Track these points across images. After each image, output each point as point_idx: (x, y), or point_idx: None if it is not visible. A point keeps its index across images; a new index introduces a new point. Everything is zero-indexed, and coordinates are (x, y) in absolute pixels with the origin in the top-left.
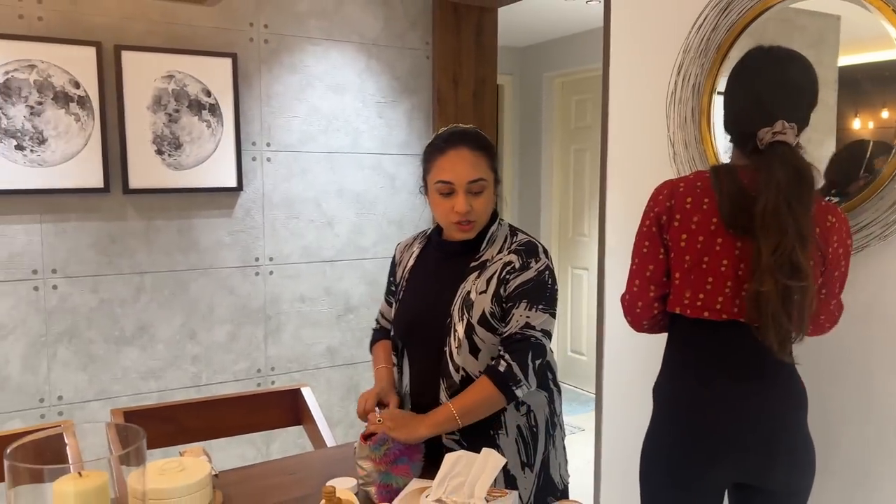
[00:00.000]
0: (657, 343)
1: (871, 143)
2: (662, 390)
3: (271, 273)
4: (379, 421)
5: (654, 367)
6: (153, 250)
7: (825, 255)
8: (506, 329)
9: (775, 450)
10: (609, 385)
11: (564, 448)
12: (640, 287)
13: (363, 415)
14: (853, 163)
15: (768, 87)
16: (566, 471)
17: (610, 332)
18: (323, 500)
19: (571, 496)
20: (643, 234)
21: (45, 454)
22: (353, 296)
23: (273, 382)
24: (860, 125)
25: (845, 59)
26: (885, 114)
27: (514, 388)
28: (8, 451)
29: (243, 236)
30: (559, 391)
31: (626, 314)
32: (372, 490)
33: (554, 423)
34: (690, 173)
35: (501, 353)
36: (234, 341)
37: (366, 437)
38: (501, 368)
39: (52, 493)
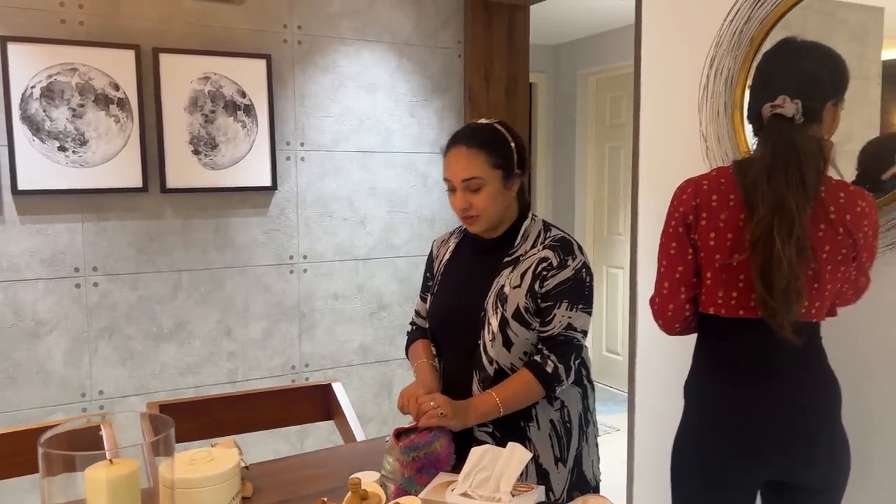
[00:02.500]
0: (691, 342)
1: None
2: (695, 389)
3: (305, 271)
4: (441, 414)
5: (688, 365)
6: (190, 248)
7: (856, 240)
8: (547, 329)
9: (810, 445)
10: (642, 385)
11: (597, 445)
12: (670, 289)
13: (410, 413)
14: (879, 158)
15: (778, 69)
16: (598, 468)
17: (643, 331)
18: (349, 493)
19: (606, 495)
20: (670, 235)
21: (77, 445)
22: (386, 294)
23: (307, 379)
24: None
25: (890, 53)
26: None
27: (557, 386)
28: (41, 440)
29: (278, 234)
30: (592, 388)
31: (656, 318)
32: (391, 487)
33: (587, 420)
34: (713, 170)
35: (546, 352)
36: (270, 338)
37: (398, 435)
38: (549, 369)
39: (84, 481)
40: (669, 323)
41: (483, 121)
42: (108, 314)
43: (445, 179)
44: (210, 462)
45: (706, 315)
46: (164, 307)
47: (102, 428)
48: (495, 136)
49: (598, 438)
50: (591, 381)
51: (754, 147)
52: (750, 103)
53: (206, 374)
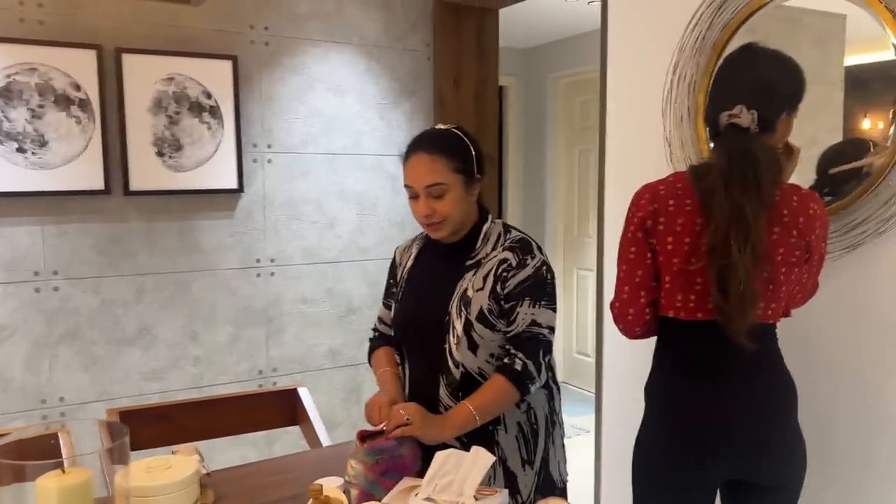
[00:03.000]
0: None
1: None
2: (656, 391)
3: (273, 274)
4: (407, 419)
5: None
6: (154, 252)
7: (809, 242)
8: (512, 328)
9: (768, 445)
10: (609, 386)
11: (563, 446)
12: (629, 293)
13: (377, 423)
14: (837, 162)
15: (736, 76)
16: (565, 469)
17: (610, 332)
18: (310, 500)
19: (575, 497)
20: (629, 239)
21: (32, 454)
22: (355, 297)
23: (275, 384)
24: (870, 125)
25: (853, 59)
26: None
27: (529, 385)
28: None
29: (245, 238)
30: (558, 389)
31: (617, 321)
32: (354, 493)
33: (553, 421)
34: (669, 175)
35: (512, 351)
36: (236, 342)
37: (363, 437)
38: (518, 367)
39: (35, 491)
40: (630, 327)
41: (440, 126)
42: (70, 319)
43: (407, 186)
44: (168, 469)
45: (665, 318)
46: (127, 311)
47: (59, 436)
48: (455, 141)
49: (568, 440)
50: (556, 383)
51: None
52: (707, 107)
53: (171, 379)
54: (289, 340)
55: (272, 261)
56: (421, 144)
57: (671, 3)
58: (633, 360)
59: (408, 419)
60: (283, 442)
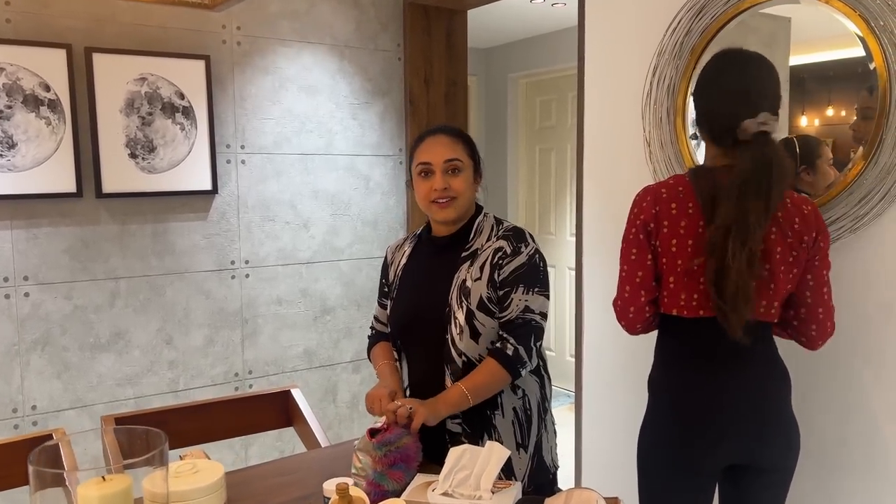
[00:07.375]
0: (637, 338)
1: (797, 139)
2: (660, 384)
3: (247, 276)
4: (410, 408)
5: (634, 361)
6: (127, 255)
7: (807, 244)
8: (506, 314)
9: (768, 431)
10: (588, 381)
11: (555, 432)
12: (631, 293)
13: (379, 413)
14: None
15: (737, 83)
16: (556, 454)
17: (589, 329)
18: (335, 496)
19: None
20: (630, 241)
21: (57, 460)
22: (330, 297)
23: (251, 386)
24: (807, 122)
25: (795, 59)
26: (829, 111)
27: (520, 369)
28: (31, 456)
29: (219, 239)
30: (549, 378)
31: (619, 319)
32: (362, 484)
33: (545, 408)
34: (669, 178)
35: (505, 336)
36: (211, 345)
37: (372, 432)
38: (509, 352)
39: (70, 497)
40: (632, 323)
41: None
42: (41, 325)
43: (422, 164)
44: (196, 473)
45: (669, 316)
46: (100, 316)
47: (60, 445)
48: (468, 136)
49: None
50: (547, 372)
51: (704, 157)
52: (718, 118)
53: (146, 384)
54: (264, 342)
55: (247, 262)
56: (440, 128)
57: (648, 7)
58: (611, 355)
59: (411, 408)
60: (260, 444)
